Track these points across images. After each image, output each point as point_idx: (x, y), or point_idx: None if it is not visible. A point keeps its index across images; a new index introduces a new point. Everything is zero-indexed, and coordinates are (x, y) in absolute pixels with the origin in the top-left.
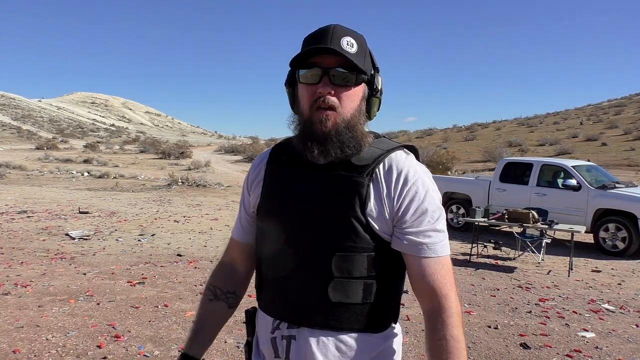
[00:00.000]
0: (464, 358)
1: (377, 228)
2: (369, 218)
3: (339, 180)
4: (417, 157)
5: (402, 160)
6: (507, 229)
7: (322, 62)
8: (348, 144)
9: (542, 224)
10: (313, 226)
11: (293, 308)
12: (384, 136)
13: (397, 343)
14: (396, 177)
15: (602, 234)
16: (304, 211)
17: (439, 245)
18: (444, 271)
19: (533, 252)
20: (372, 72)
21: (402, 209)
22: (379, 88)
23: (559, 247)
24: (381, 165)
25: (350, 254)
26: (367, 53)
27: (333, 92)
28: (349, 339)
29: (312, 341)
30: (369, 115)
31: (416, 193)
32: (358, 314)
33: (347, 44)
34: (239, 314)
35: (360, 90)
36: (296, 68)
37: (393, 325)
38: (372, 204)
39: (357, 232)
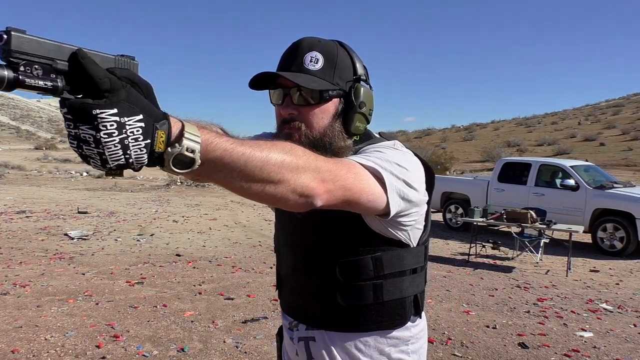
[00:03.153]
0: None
1: (372, 224)
2: (362, 216)
3: None
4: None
5: (377, 141)
6: (506, 229)
7: (284, 82)
8: None
9: (540, 224)
10: (312, 231)
11: (308, 311)
12: (379, 134)
13: (420, 335)
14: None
15: (600, 233)
16: (303, 218)
17: (364, 158)
18: (349, 162)
19: (531, 252)
20: (351, 82)
21: None
22: (358, 101)
23: (557, 247)
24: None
25: (353, 258)
26: (341, 63)
27: (296, 112)
28: (368, 337)
29: (331, 343)
30: (349, 131)
31: (371, 147)
32: (372, 314)
33: (311, 61)
34: (237, 314)
35: (331, 106)
36: (268, 89)
37: (414, 317)
38: None
39: (356, 234)
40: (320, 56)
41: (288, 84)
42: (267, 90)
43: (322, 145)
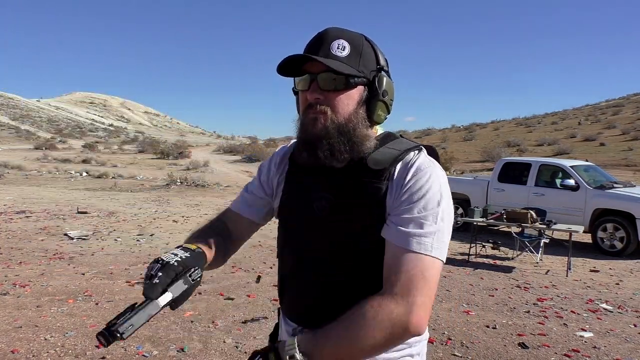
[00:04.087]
0: (344, 343)
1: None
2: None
3: (356, 187)
4: (436, 158)
5: (417, 156)
6: (506, 229)
7: (311, 69)
8: (339, 147)
9: (540, 224)
10: (328, 234)
11: (312, 314)
12: (401, 135)
13: (423, 337)
14: (406, 171)
15: (600, 233)
16: (319, 219)
17: (424, 240)
18: (421, 272)
19: (531, 252)
20: (374, 72)
21: (400, 192)
22: (381, 90)
23: (557, 247)
24: (398, 166)
25: (368, 261)
26: (366, 53)
27: (322, 97)
28: None
29: None
30: (372, 119)
31: (419, 179)
32: None
33: (338, 48)
34: (238, 314)
35: (356, 93)
36: (293, 76)
37: None
38: (389, 204)
39: (374, 240)
40: (346, 44)
41: (314, 69)
42: (293, 78)
43: (347, 131)
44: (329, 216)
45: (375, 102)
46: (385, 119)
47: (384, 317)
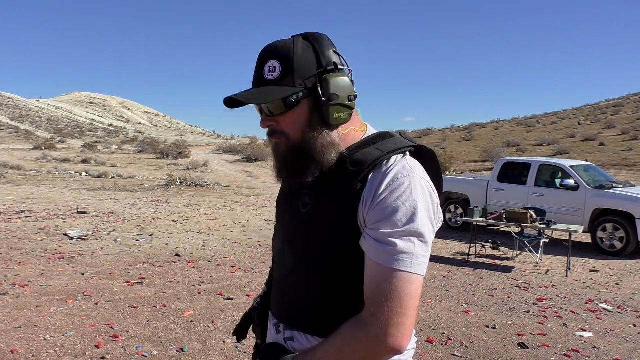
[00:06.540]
0: None
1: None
2: (360, 224)
3: (334, 186)
4: (435, 163)
5: (397, 162)
6: (505, 229)
7: None
8: (299, 168)
9: (540, 224)
10: (307, 232)
11: (289, 310)
12: (400, 133)
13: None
14: (381, 179)
15: (599, 233)
16: (301, 216)
17: (401, 256)
18: (396, 291)
19: (531, 252)
20: (315, 78)
21: (374, 202)
22: (328, 94)
23: (556, 247)
24: (374, 171)
25: (343, 262)
26: (301, 61)
27: (274, 123)
28: None
29: (308, 345)
30: (330, 125)
31: (394, 190)
32: None
33: (270, 71)
34: (237, 314)
35: (302, 108)
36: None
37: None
38: (363, 211)
39: (348, 240)
40: (277, 63)
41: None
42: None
43: (302, 150)
44: (311, 214)
45: (325, 108)
46: (348, 117)
47: (356, 342)
